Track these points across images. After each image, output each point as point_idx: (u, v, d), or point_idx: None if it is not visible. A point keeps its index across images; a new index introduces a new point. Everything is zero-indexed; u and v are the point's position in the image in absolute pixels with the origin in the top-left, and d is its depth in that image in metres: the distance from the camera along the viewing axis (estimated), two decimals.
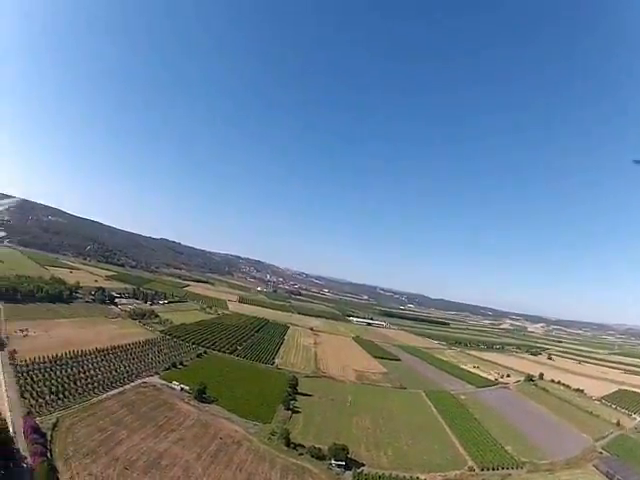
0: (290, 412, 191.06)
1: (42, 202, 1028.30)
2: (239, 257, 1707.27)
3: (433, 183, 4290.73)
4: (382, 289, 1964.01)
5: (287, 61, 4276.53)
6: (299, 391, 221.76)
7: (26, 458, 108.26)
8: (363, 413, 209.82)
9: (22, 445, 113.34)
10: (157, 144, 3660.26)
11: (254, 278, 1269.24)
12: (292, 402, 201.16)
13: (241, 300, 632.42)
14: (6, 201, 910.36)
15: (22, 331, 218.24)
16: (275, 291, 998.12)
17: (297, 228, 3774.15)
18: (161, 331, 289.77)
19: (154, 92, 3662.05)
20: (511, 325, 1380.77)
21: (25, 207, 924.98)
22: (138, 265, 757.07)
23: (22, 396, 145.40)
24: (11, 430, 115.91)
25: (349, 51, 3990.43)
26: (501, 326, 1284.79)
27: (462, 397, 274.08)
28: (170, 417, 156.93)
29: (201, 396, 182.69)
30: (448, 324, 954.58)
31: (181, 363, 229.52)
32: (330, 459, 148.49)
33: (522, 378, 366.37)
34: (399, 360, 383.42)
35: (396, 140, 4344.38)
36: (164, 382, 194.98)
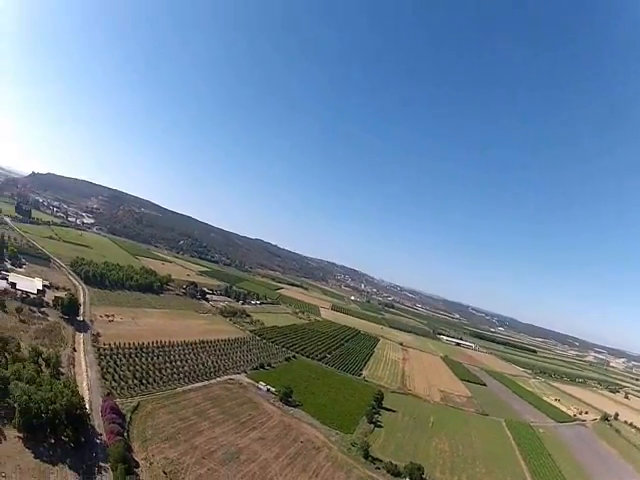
0: (373, 425, 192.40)
1: (134, 194, 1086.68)
2: (335, 264, 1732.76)
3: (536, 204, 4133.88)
4: (474, 309, 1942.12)
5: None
6: (384, 406, 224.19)
7: (101, 435, 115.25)
8: (443, 435, 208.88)
9: (98, 422, 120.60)
10: (261, 150, 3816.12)
11: (348, 286, 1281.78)
12: (376, 416, 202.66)
13: (334, 308, 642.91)
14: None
15: (108, 316, 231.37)
16: (368, 301, 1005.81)
17: (395, 241, 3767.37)
18: (251, 331, 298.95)
19: (255, 105, 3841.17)
20: (595, 358, 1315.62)
21: (117, 198, 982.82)
22: (232, 263, 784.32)
23: (103, 377, 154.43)
24: (88, 408, 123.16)
25: None
26: (585, 358, 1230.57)
27: (541, 430, 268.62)
28: (254, 415, 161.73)
29: (286, 399, 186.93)
30: (535, 352, 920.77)
31: (269, 364, 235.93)
32: (405, 477, 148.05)
33: (599, 416, 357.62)
34: (484, 385, 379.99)
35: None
36: (251, 381, 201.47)
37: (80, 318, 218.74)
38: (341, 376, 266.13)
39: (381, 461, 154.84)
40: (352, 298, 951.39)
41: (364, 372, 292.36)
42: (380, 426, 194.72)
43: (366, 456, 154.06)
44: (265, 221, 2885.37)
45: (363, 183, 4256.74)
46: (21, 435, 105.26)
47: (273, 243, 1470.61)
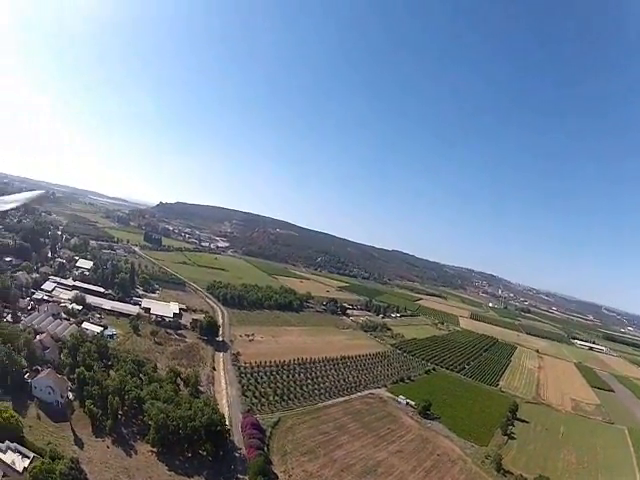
0: (506, 437, 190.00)
1: (269, 215, 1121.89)
2: (472, 270, 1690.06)
3: None
4: (607, 309, 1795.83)
5: None
6: (518, 417, 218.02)
7: (240, 449, 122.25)
8: (571, 446, 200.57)
9: (237, 438, 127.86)
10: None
11: (486, 293, 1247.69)
12: (509, 427, 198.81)
13: (472, 316, 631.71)
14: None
15: (248, 336, 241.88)
16: (506, 307, 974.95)
17: (533, 241, 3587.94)
18: (392, 344, 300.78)
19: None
20: None
21: (251, 220, 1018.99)
22: (370, 277, 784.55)
23: (243, 394, 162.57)
24: (228, 424, 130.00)
25: None
26: None
27: None
28: (392, 429, 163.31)
29: (425, 412, 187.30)
30: None
31: (409, 378, 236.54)
32: None
33: None
34: (613, 392, 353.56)
35: None
36: (390, 395, 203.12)
37: (219, 339, 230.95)
38: (478, 387, 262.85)
39: (512, 474, 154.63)
40: (490, 305, 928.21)
41: (501, 382, 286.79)
42: (513, 438, 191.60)
43: (498, 469, 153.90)
44: (402, 232, 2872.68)
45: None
46: (155, 450, 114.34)
47: (410, 253, 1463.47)
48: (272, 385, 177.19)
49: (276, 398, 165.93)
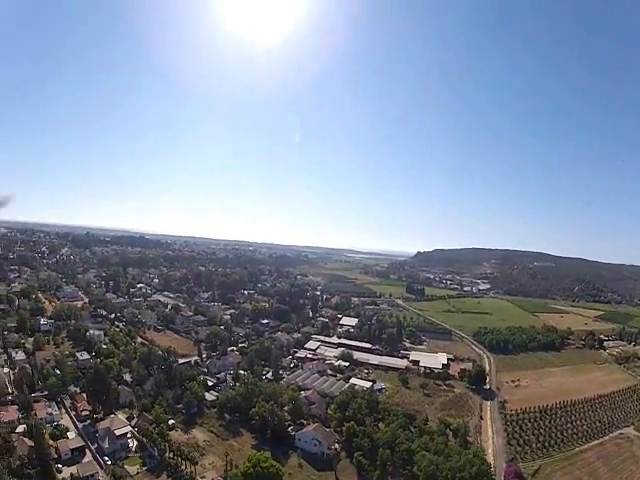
0: None
1: (525, 249, 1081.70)
2: None
3: None
4: None
5: None
6: None
7: None
8: None
9: None
10: None
11: None
12: None
13: None
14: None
15: (513, 381, 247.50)
16: None
17: None
18: None
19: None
20: None
21: (508, 257, 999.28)
22: (623, 300, 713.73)
23: (508, 443, 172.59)
24: (493, 473, 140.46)
25: None
26: None
27: None
28: (633, 471, 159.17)
29: None
30: None
31: None
32: None
33: None
34: None
35: None
36: (637, 433, 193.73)
37: (486, 387, 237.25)
38: None
39: None
40: None
41: None
42: None
43: None
44: None
45: None
46: None
47: None
48: (535, 432, 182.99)
49: (538, 445, 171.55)
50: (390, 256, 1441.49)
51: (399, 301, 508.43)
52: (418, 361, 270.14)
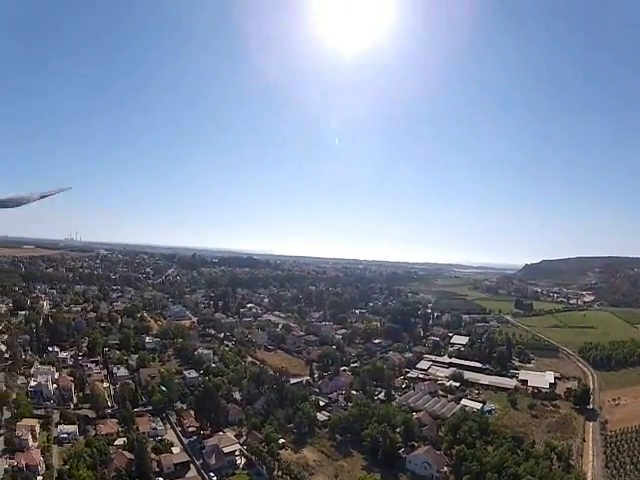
0: None
1: (630, 255, 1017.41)
2: None
3: None
4: None
5: None
6: None
7: None
8: None
9: None
10: None
11: None
12: None
13: None
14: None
15: (614, 400, 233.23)
16: None
17: None
18: None
19: None
20: None
21: (611, 265, 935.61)
22: None
23: (606, 466, 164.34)
24: None
25: None
26: None
27: None
28: None
29: None
30: None
31: None
32: None
33: None
34: None
35: None
36: None
37: (590, 406, 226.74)
38: None
39: None
40: None
41: None
42: None
43: None
44: None
45: None
46: None
47: None
48: (630, 453, 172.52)
49: (630, 467, 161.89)
50: (499, 270, 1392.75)
51: (508, 317, 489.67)
52: (526, 380, 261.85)
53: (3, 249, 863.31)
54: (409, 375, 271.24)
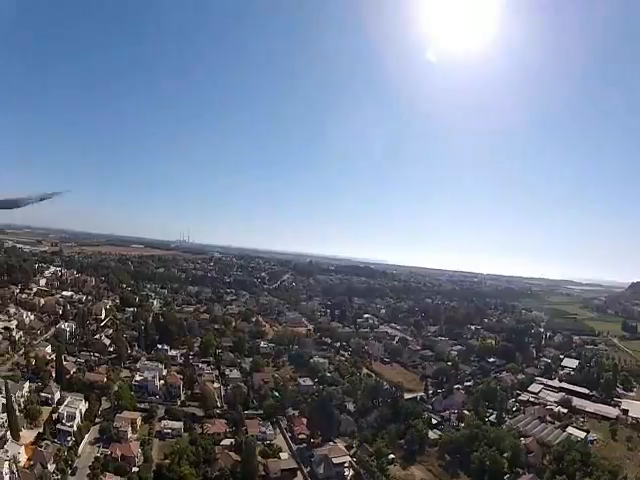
0: None
1: None
2: None
3: None
4: None
5: None
6: None
7: None
8: None
9: None
10: None
11: None
12: None
13: None
14: None
15: None
16: None
17: None
18: None
19: None
20: None
21: None
22: None
23: None
24: None
25: None
26: None
27: None
28: None
29: None
30: None
31: None
32: None
33: None
34: None
35: None
36: None
37: None
38: None
39: None
40: None
41: None
42: None
43: None
44: None
45: None
46: None
47: None
48: None
49: None
50: (609, 287, 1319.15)
51: (615, 340, 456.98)
52: (627, 410, 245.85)
53: (110, 247, 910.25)
54: (520, 398, 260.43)
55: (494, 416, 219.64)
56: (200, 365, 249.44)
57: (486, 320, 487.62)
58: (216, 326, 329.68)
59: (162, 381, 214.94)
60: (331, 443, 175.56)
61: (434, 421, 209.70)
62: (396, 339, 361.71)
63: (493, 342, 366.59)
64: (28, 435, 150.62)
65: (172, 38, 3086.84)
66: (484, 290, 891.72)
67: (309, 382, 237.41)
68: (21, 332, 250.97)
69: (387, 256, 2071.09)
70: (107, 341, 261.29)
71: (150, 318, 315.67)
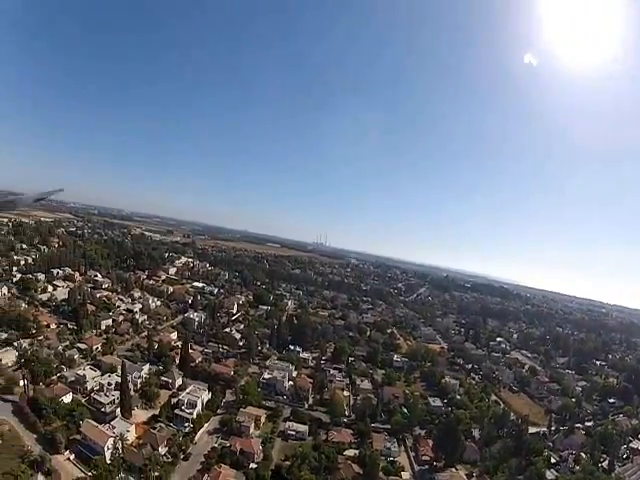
0: None
1: None
2: None
3: None
4: None
5: None
6: None
7: None
8: None
9: None
10: None
11: None
12: None
13: None
14: None
15: None
16: None
17: None
18: None
19: None
20: None
21: None
22: None
23: None
24: None
25: None
26: None
27: None
28: None
29: None
30: None
31: None
32: None
33: None
34: None
35: None
36: None
37: None
38: None
39: None
40: None
41: None
42: None
43: None
44: None
45: None
46: None
47: None
48: None
49: None
50: None
51: None
52: None
53: (245, 244, 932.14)
54: (632, 445, 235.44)
55: (607, 462, 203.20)
56: (331, 371, 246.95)
57: (610, 356, 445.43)
58: (350, 334, 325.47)
59: (291, 382, 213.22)
60: (453, 469, 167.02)
61: (553, 460, 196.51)
62: (526, 367, 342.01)
63: (615, 381, 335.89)
64: (142, 415, 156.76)
65: None
66: (610, 323, 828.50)
67: (439, 402, 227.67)
68: (145, 316, 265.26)
69: (520, 277, 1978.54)
70: (237, 335, 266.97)
71: (284, 318, 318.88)
